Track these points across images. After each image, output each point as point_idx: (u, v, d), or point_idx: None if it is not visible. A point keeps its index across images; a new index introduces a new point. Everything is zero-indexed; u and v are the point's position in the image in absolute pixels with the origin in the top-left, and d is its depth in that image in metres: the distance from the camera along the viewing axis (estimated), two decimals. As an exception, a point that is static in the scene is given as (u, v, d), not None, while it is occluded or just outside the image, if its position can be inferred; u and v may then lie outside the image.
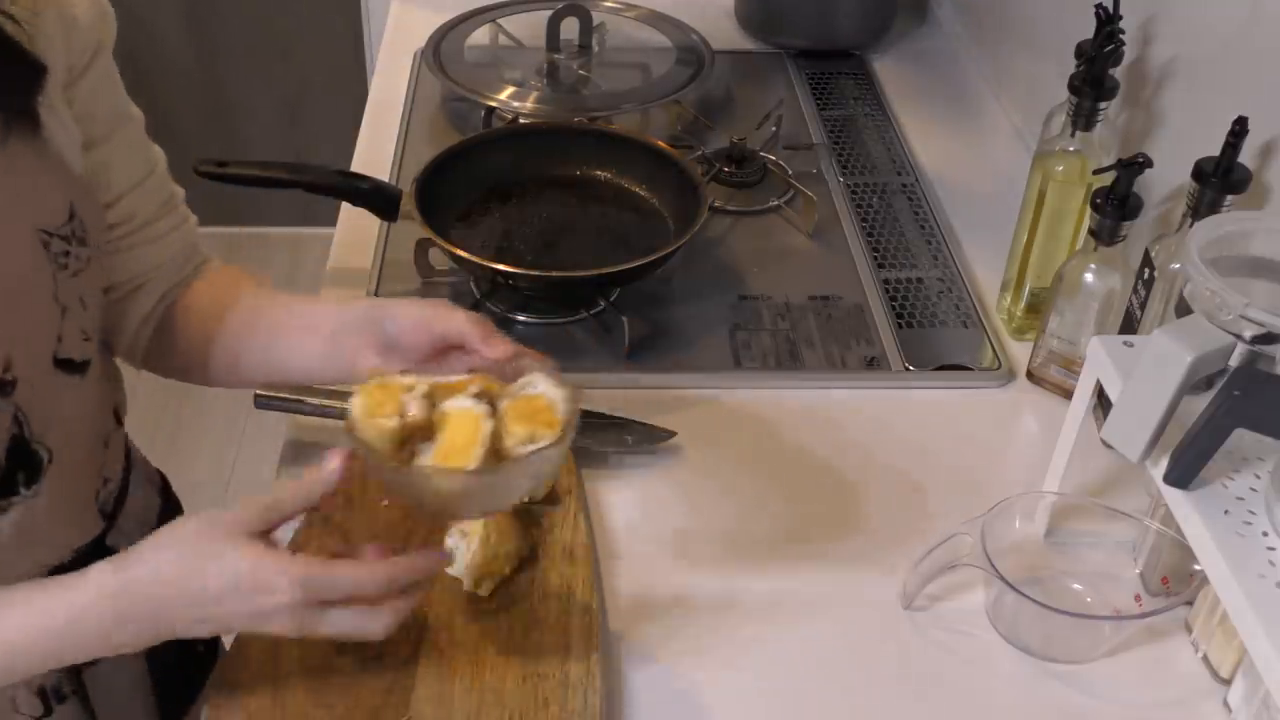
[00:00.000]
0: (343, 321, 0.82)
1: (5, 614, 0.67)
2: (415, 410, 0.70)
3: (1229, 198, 0.87)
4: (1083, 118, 1.03)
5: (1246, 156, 0.87)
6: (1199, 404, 0.71)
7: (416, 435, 0.70)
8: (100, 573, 0.68)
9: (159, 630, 0.68)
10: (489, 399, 0.72)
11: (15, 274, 0.72)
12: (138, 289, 0.87)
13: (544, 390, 0.72)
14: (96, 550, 0.84)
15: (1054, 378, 1.05)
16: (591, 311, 1.11)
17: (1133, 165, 0.93)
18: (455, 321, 0.77)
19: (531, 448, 0.69)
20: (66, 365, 0.77)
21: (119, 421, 0.89)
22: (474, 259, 1.06)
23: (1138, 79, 1.12)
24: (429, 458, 0.69)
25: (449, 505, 0.73)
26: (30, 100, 0.73)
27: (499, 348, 0.76)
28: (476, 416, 0.70)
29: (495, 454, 0.69)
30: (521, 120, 1.38)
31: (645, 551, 0.90)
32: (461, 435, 0.69)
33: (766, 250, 1.24)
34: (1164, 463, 0.74)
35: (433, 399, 0.71)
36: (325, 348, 0.82)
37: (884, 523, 0.93)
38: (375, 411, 0.70)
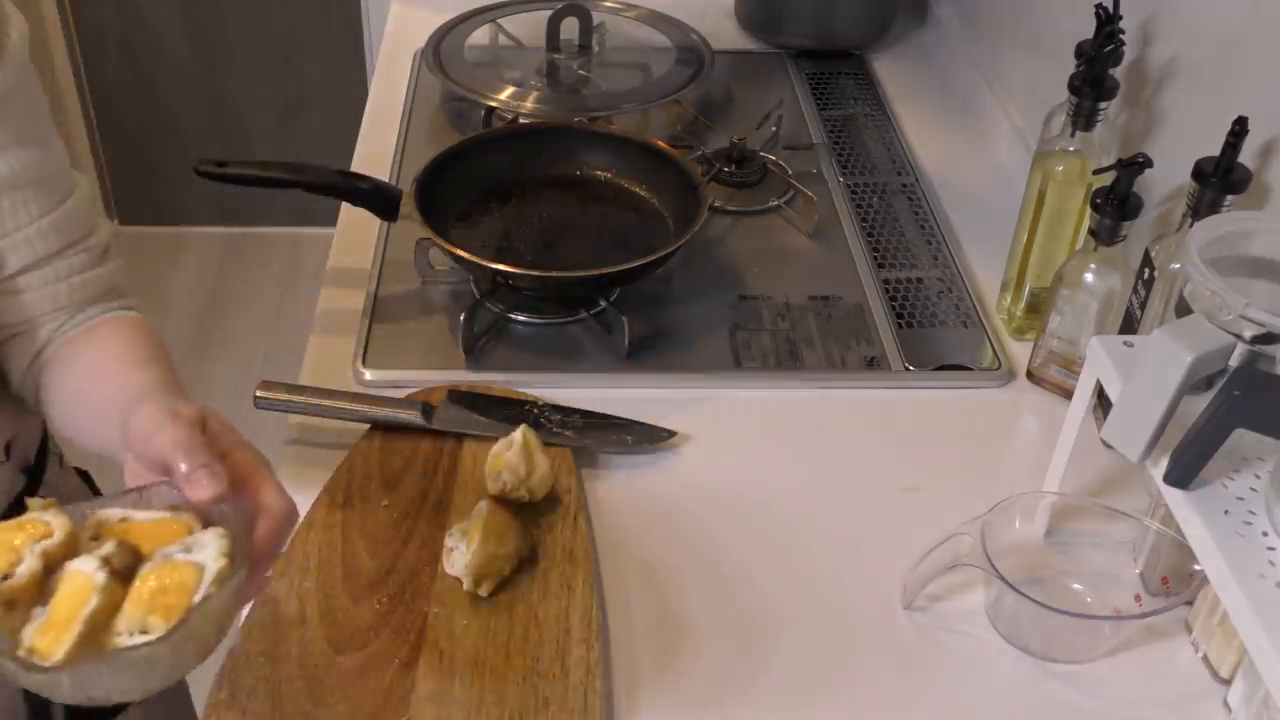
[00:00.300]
0: (124, 407, 0.70)
1: None
2: (27, 566, 0.59)
3: (1229, 198, 0.87)
4: (1083, 118, 1.03)
5: (1246, 156, 0.87)
6: (1199, 404, 0.71)
7: (30, 595, 0.60)
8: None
9: None
10: (128, 560, 0.61)
11: None
12: (15, 336, 0.82)
13: (202, 559, 0.61)
14: None
15: (1054, 378, 1.05)
16: (591, 311, 1.11)
17: (1133, 165, 0.93)
18: (164, 444, 0.64)
19: (131, 641, 0.58)
20: None
21: (7, 455, 0.86)
22: (474, 259, 1.06)
23: (1138, 79, 1.12)
24: (34, 628, 0.59)
25: (38, 690, 0.59)
26: None
27: (200, 489, 0.62)
28: (88, 587, 0.59)
29: (96, 639, 0.58)
30: (521, 120, 1.38)
31: (645, 551, 0.90)
32: (66, 609, 0.58)
33: (766, 250, 1.24)
34: (1164, 463, 0.74)
35: (68, 551, 0.61)
36: (118, 436, 0.70)
37: (884, 523, 0.93)
38: None
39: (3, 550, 0.60)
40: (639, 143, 1.25)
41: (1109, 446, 0.78)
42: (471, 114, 1.43)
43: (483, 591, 0.83)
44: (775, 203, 1.30)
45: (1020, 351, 1.10)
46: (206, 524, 0.63)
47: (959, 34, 1.66)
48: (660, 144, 1.24)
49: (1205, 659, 0.83)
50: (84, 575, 0.59)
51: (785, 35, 1.63)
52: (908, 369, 1.08)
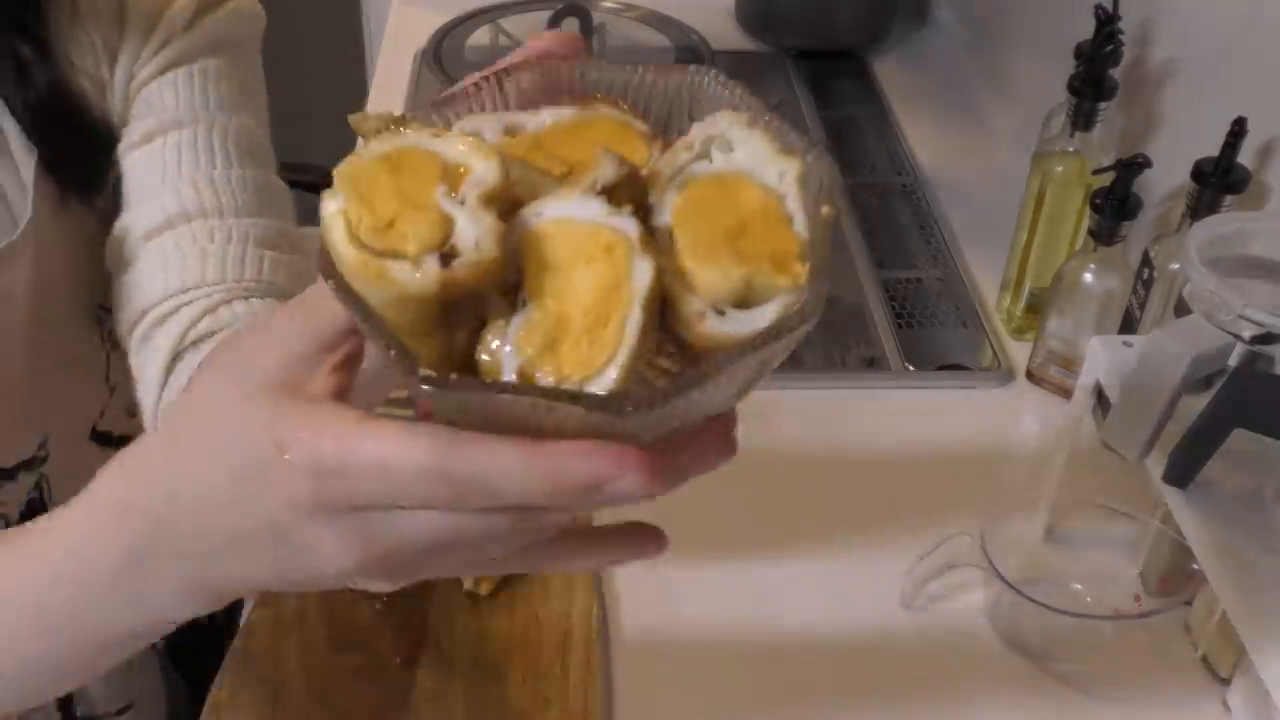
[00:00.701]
0: None
1: None
2: (475, 235, 0.33)
3: (1228, 198, 0.87)
4: (1082, 118, 1.03)
5: (1245, 157, 0.87)
6: (1199, 404, 0.71)
7: (493, 279, 0.34)
8: (107, 480, 0.43)
9: (197, 573, 0.41)
10: (632, 191, 0.35)
11: (65, 358, 0.67)
12: (175, 310, 0.65)
13: (746, 160, 0.36)
14: None
15: (1054, 378, 1.05)
16: (591, 312, 1.11)
17: (1132, 165, 0.93)
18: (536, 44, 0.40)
19: (747, 319, 0.34)
20: (103, 438, 0.73)
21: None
22: (474, 259, 1.06)
23: (1137, 79, 1.12)
24: (508, 342, 0.33)
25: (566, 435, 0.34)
26: (96, 170, 0.67)
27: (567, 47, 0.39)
28: (613, 249, 0.33)
29: (661, 334, 0.35)
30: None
31: (645, 551, 0.90)
32: (582, 297, 0.33)
33: (766, 250, 1.23)
34: (1163, 463, 0.74)
35: (508, 194, 0.34)
36: None
37: (884, 523, 0.93)
38: (382, 237, 0.34)
39: (411, 208, 0.34)
40: (639, 143, 1.25)
41: (1109, 447, 0.78)
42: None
43: (483, 591, 0.83)
44: (775, 203, 1.30)
45: (1020, 351, 1.10)
46: (645, 116, 0.38)
47: (959, 35, 1.66)
48: (660, 144, 1.24)
49: (1205, 659, 0.83)
50: (597, 229, 0.33)
51: (785, 35, 1.63)
52: (908, 369, 1.08)
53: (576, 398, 0.32)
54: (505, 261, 0.33)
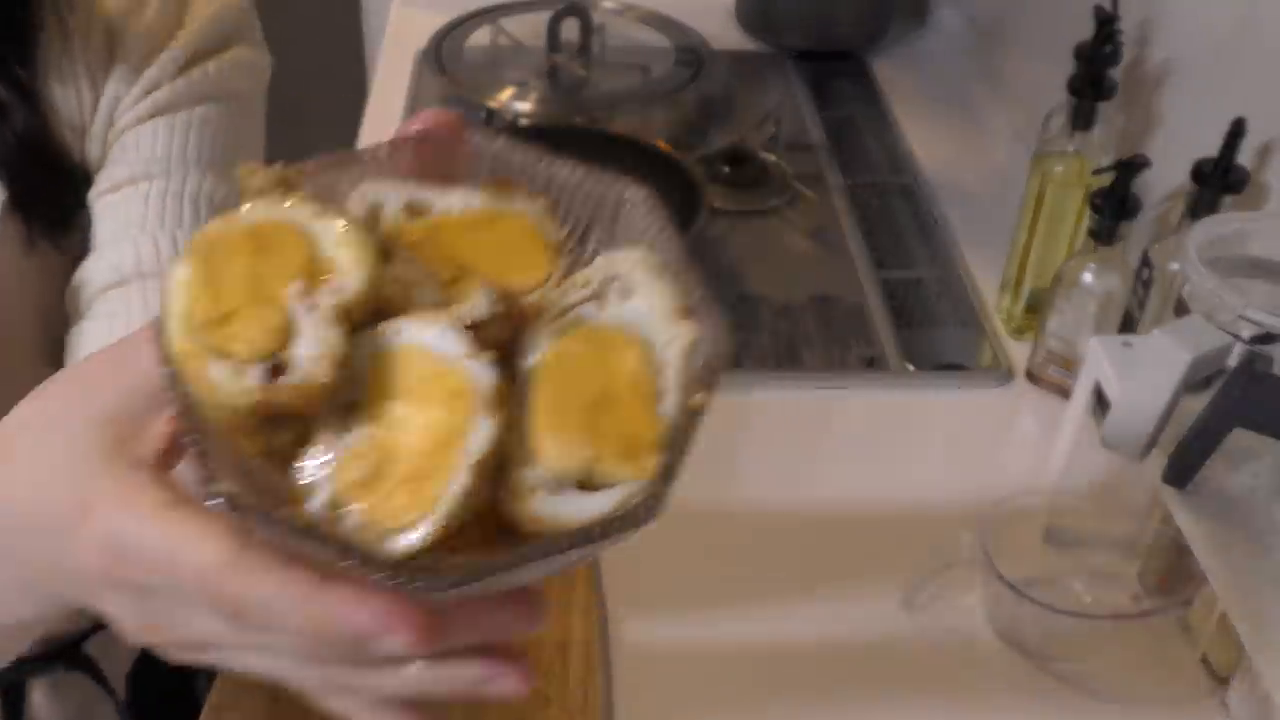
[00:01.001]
0: None
1: None
2: (311, 354, 0.30)
3: (1227, 198, 0.87)
4: (1081, 118, 1.03)
5: (1244, 157, 0.87)
6: (1198, 404, 0.71)
7: (325, 402, 0.32)
8: None
9: (32, 578, 0.40)
10: (507, 326, 0.33)
11: (21, 396, 0.67)
12: None
13: (639, 314, 0.33)
14: (69, 650, 0.81)
15: (1053, 377, 1.05)
16: (591, 312, 1.11)
17: (1131, 165, 0.93)
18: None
19: (579, 506, 0.32)
20: None
21: None
22: (474, 259, 1.06)
23: (1136, 79, 1.12)
24: (328, 466, 0.31)
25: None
26: (68, 213, 0.66)
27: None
28: (457, 398, 0.30)
29: (489, 509, 0.32)
30: (521, 121, 1.38)
31: (645, 549, 0.90)
32: (414, 440, 0.31)
33: (766, 250, 1.24)
34: (1163, 463, 0.74)
35: (371, 302, 0.32)
36: None
37: (883, 523, 0.93)
38: (215, 331, 0.31)
39: (246, 298, 0.31)
40: (639, 143, 1.25)
41: (1109, 447, 0.78)
42: (471, 116, 1.43)
43: (483, 591, 0.83)
44: (775, 203, 1.31)
45: (1019, 351, 1.10)
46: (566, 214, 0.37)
47: (958, 35, 1.66)
48: (660, 144, 1.24)
49: (1205, 659, 0.83)
50: (448, 370, 0.30)
51: (785, 36, 1.63)
52: (907, 369, 1.08)
53: (368, 560, 0.29)
54: (336, 387, 0.31)
